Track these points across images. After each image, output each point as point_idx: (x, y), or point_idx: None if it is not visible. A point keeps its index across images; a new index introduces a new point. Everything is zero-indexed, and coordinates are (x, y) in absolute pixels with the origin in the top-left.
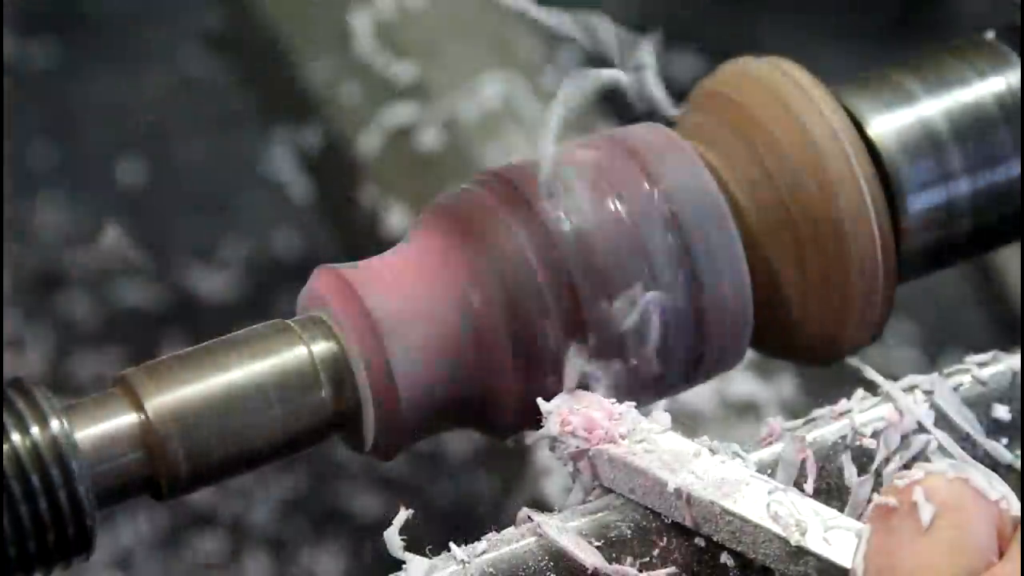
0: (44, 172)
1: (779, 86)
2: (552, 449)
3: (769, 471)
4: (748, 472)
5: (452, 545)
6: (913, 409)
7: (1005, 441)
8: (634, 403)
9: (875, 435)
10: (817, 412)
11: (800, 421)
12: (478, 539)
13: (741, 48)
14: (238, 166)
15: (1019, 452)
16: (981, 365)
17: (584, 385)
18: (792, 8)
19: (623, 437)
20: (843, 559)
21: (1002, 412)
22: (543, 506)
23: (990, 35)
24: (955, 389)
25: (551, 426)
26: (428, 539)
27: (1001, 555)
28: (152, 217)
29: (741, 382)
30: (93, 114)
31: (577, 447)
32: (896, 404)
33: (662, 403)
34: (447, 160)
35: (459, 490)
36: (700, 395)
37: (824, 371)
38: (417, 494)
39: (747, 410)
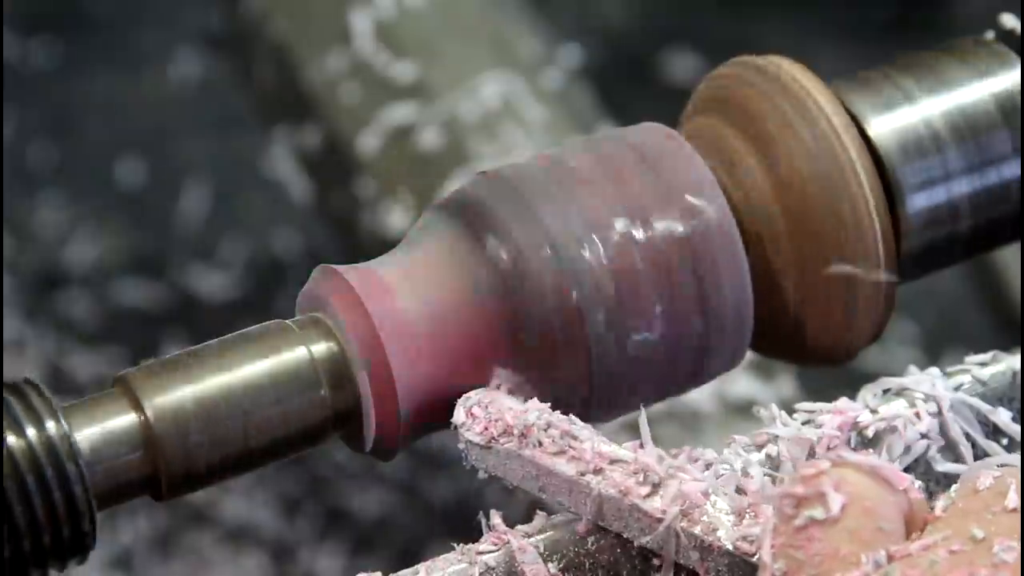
0: (44, 172)
1: (779, 85)
2: (461, 447)
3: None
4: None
5: (453, 545)
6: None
7: (1005, 442)
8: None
9: (876, 436)
10: (810, 405)
11: (799, 420)
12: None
13: (741, 48)
14: (238, 166)
15: (1019, 454)
16: (981, 365)
17: (584, 386)
18: (792, 8)
19: (525, 436)
20: (751, 552)
21: (1004, 416)
22: (543, 506)
23: (990, 35)
24: (956, 389)
25: (457, 416)
26: (428, 539)
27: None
28: (152, 217)
29: (741, 382)
30: (93, 114)
31: (479, 442)
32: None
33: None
34: (447, 160)
35: (459, 490)
36: (700, 395)
37: (824, 371)
38: (417, 494)
39: (747, 410)
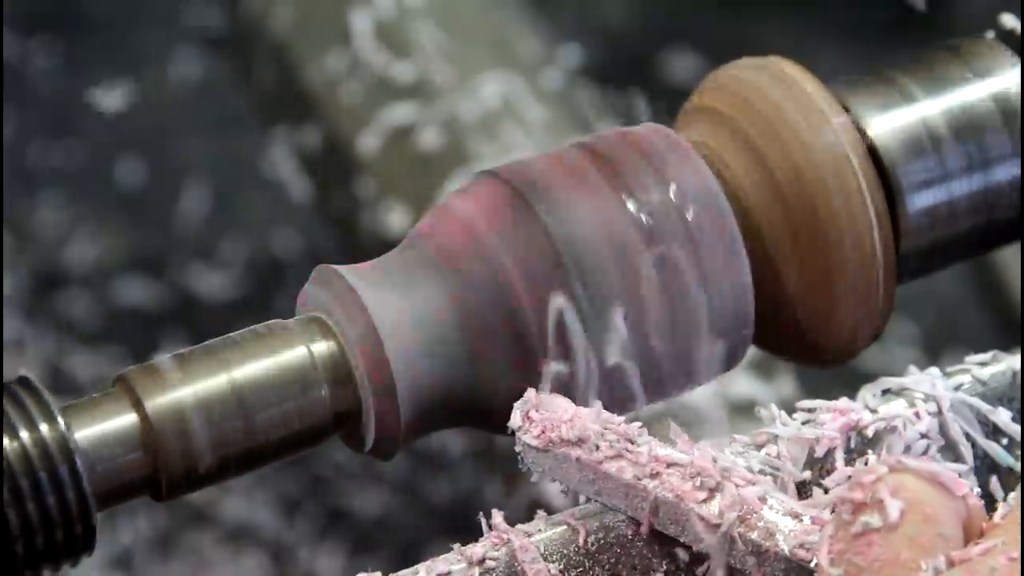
0: (44, 172)
1: (779, 86)
2: (518, 450)
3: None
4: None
5: (453, 545)
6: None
7: (1005, 442)
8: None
9: (876, 435)
10: (810, 403)
11: (799, 420)
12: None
13: (741, 48)
14: (238, 166)
15: (1019, 453)
16: (981, 365)
17: (583, 387)
18: (792, 8)
19: (583, 440)
20: (808, 557)
21: (1004, 416)
22: (544, 507)
23: (990, 35)
24: (956, 389)
25: (514, 420)
26: (428, 539)
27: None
28: (152, 217)
29: (741, 382)
30: (93, 114)
31: (536, 445)
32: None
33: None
34: (447, 160)
35: (459, 490)
36: (700, 395)
37: (824, 371)
38: (417, 494)
39: (747, 410)
